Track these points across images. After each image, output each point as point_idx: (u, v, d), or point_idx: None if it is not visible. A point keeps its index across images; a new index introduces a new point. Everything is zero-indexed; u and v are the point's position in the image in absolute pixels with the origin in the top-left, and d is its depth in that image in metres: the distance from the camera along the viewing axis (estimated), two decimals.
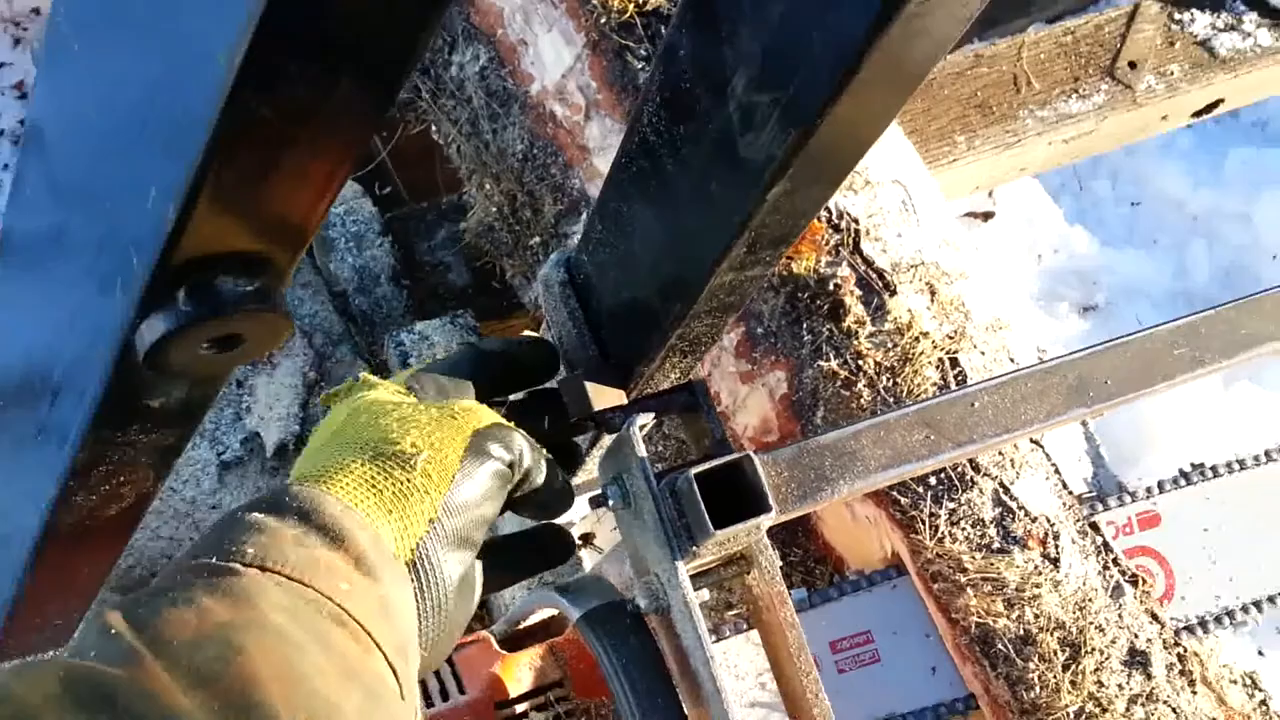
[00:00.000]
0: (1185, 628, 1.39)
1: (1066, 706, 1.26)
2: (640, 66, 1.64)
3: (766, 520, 0.92)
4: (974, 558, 1.34)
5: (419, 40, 0.42)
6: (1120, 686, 1.28)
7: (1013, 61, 2.39)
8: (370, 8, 0.39)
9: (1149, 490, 1.42)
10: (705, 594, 1.01)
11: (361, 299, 2.05)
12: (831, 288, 1.50)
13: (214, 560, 0.63)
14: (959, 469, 1.38)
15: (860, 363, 1.46)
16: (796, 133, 0.63)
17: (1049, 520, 1.35)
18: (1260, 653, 2.16)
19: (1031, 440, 1.42)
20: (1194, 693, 1.30)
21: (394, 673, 0.66)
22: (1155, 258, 2.80)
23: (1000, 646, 1.30)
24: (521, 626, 1.22)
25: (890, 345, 1.47)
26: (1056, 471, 1.41)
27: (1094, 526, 1.37)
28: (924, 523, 1.36)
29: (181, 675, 0.55)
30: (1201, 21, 2.42)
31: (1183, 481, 1.42)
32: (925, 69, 0.59)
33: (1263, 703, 1.35)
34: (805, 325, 1.52)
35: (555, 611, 1.21)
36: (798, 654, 0.98)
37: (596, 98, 1.67)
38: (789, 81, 0.61)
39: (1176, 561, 1.40)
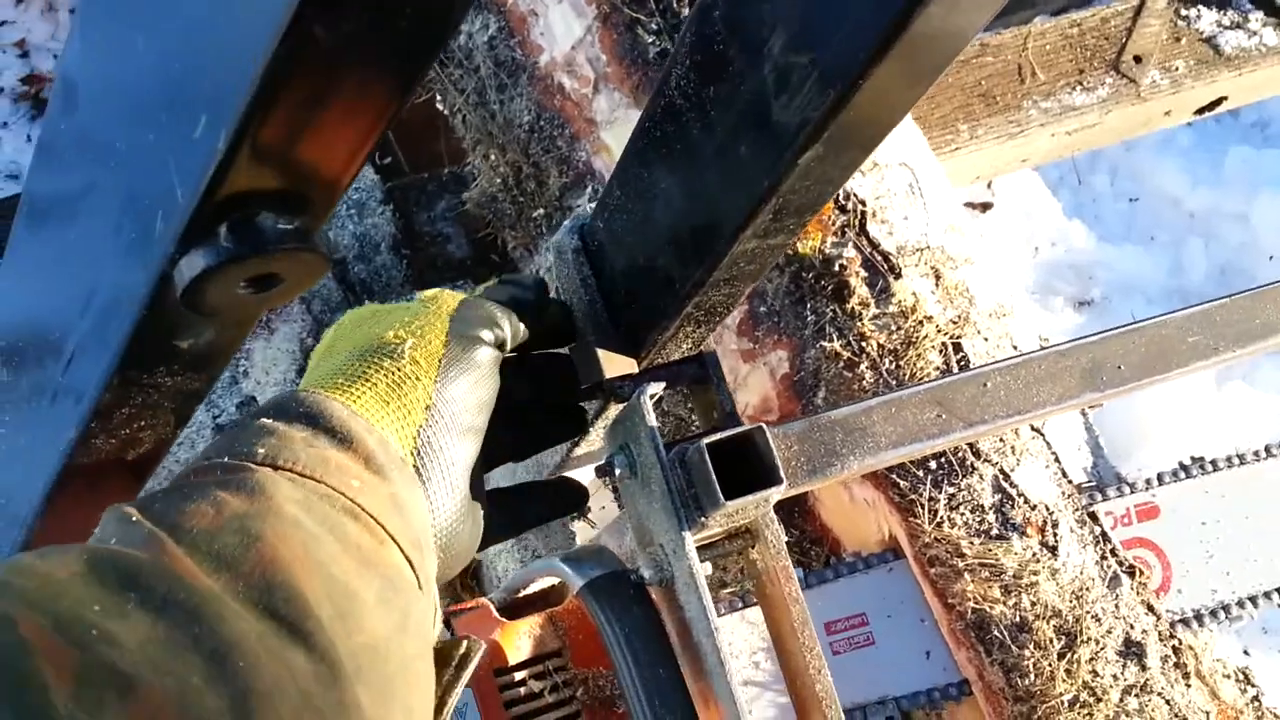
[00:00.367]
0: (1181, 620, 1.40)
1: (1061, 695, 1.27)
2: (651, 40, 1.63)
3: (776, 493, 0.92)
4: (972, 543, 1.34)
5: None
6: (1115, 677, 1.28)
7: (1018, 52, 2.39)
8: None
9: (1148, 482, 1.43)
10: (708, 568, 1.01)
11: (361, 267, 2.03)
12: (837, 269, 1.50)
13: (226, 460, 0.63)
14: (959, 454, 1.38)
15: (863, 345, 1.46)
16: (835, 94, 0.62)
17: (1048, 508, 1.36)
18: (1246, 652, 2.18)
19: (1032, 428, 1.42)
20: (1188, 686, 1.30)
21: (410, 565, 0.67)
22: (1152, 254, 2.81)
23: (996, 633, 1.30)
24: (521, 595, 1.21)
25: (894, 328, 1.47)
26: (1057, 460, 1.41)
27: (1093, 516, 1.37)
28: (923, 507, 1.36)
29: (203, 559, 0.56)
30: (1208, 18, 2.43)
31: (1182, 474, 1.43)
32: (973, 28, 0.58)
33: (1255, 699, 1.35)
34: (809, 305, 1.51)
35: (556, 580, 1.21)
36: (801, 629, 0.98)
37: (606, 70, 1.65)
38: (830, 40, 0.60)
39: (1174, 554, 1.40)
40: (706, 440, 0.91)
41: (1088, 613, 1.30)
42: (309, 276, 0.49)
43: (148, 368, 0.57)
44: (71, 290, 0.59)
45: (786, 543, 1.66)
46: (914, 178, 1.62)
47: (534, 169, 1.70)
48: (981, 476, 1.37)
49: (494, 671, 1.08)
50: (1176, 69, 2.37)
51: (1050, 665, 1.27)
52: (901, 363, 1.44)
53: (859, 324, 1.47)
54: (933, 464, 1.37)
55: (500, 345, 0.83)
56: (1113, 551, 1.35)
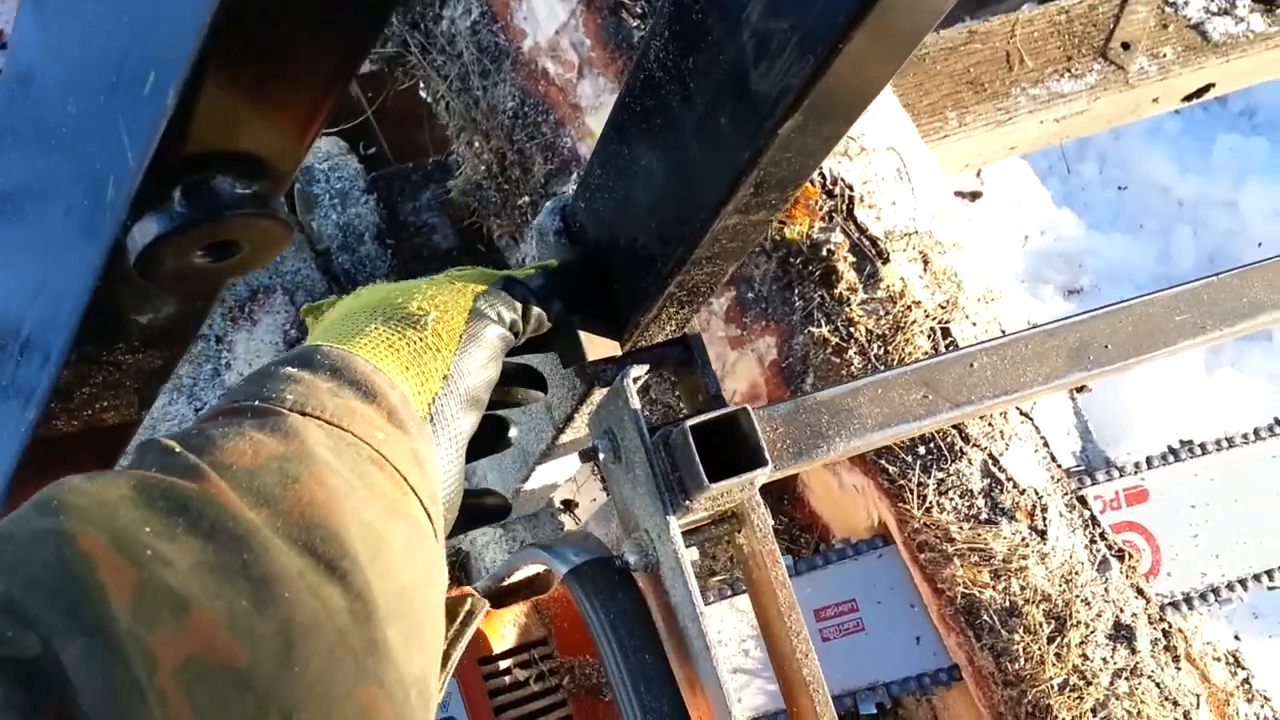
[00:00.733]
0: (1170, 604, 1.39)
1: (1051, 679, 1.26)
2: (635, 24, 1.61)
3: (762, 475, 0.91)
4: (961, 528, 1.32)
5: None
6: (1105, 660, 1.27)
7: (1006, 39, 2.37)
8: None
9: (1137, 466, 1.42)
10: (694, 553, 0.99)
11: (345, 257, 2.01)
12: (824, 254, 1.48)
13: (256, 403, 0.64)
14: (948, 439, 1.37)
15: (852, 330, 1.44)
16: (814, 60, 0.61)
17: (1037, 492, 1.35)
18: (1237, 637, 2.17)
19: (1021, 412, 1.41)
20: (1178, 669, 1.29)
21: (429, 517, 0.69)
22: (1141, 242, 2.81)
23: (985, 618, 1.29)
24: (506, 583, 1.20)
25: (882, 313, 1.45)
26: (1045, 444, 1.40)
27: (1082, 500, 1.36)
28: (912, 492, 1.35)
29: (244, 494, 0.57)
30: (1195, 5, 2.42)
31: (1171, 458, 1.42)
32: None
33: (1245, 681, 1.34)
34: (797, 291, 1.50)
35: (540, 568, 1.20)
36: (788, 613, 0.97)
37: (590, 55, 1.64)
38: (809, 5, 0.59)
39: (1163, 537, 1.40)
40: (690, 422, 0.90)
41: (1077, 596, 1.29)
42: (270, 245, 0.48)
43: (106, 344, 0.55)
44: (26, 270, 0.57)
45: (776, 530, 1.65)
46: (902, 162, 1.61)
47: (518, 156, 1.69)
48: (970, 461, 1.36)
49: (478, 660, 1.07)
50: (1164, 56, 2.36)
51: (1040, 649, 1.26)
52: (890, 348, 1.43)
53: (847, 309, 1.46)
54: (921, 449, 1.36)
55: (514, 331, 0.86)
56: (1102, 535, 1.34)
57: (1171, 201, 2.89)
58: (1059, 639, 1.27)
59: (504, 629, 1.10)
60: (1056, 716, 1.25)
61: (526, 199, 1.71)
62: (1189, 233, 2.82)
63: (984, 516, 1.33)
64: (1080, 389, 1.69)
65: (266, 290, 1.90)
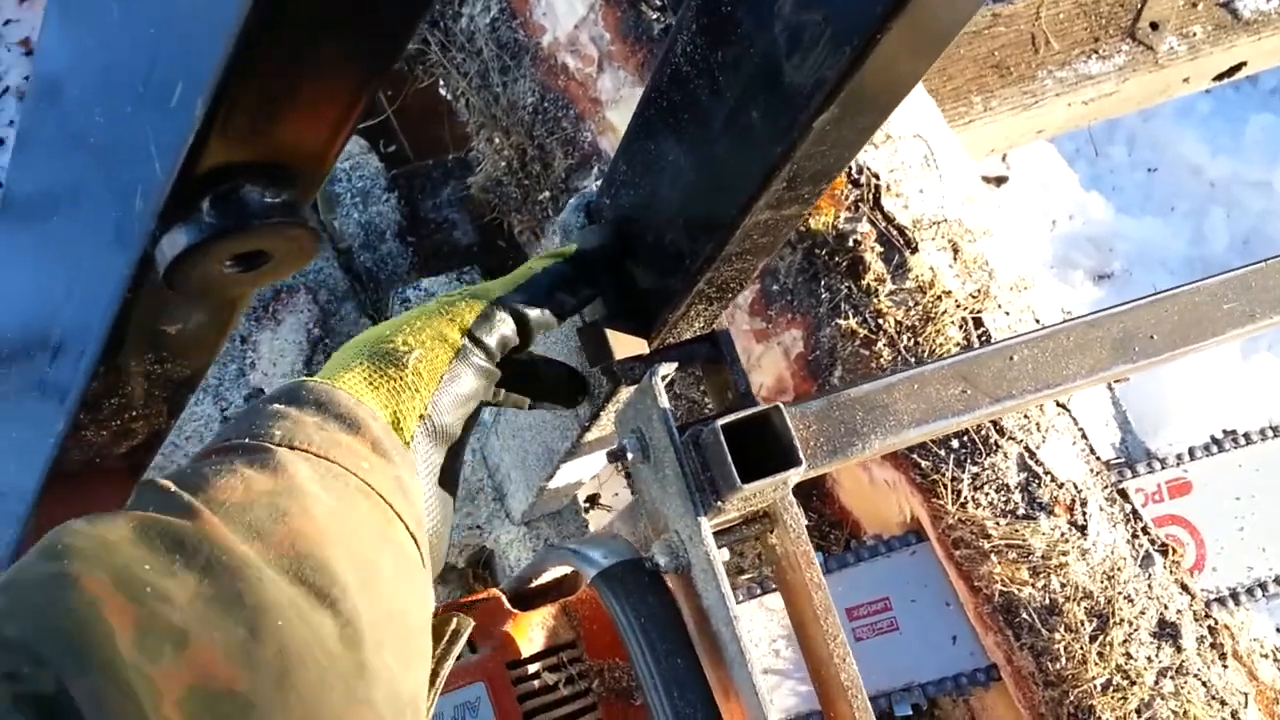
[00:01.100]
0: (1216, 599, 1.36)
1: (1094, 679, 1.23)
2: (655, 17, 1.59)
3: (795, 475, 0.88)
4: (998, 524, 1.30)
5: None
6: (1149, 659, 1.25)
7: (1031, 21, 2.33)
8: None
9: (1179, 457, 1.39)
10: (725, 554, 0.97)
11: (367, 255, 2.00)
12: (851, 244, 1.46)
13: (246, 441, 0.67)
14: (983, 432, 1.34)
15: (880, 321, 1.42)
16: (850, 52, 0.59)
17: (1076, 486, 1.32)
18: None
19: (1057, 403, 1.38)
20: (1225, 666, 1.27)
21: (415, 542, 0.72)
22: (1172, 225, 2.76)
23: (1025, 616, 1.27)
24: (533, 585, 1.18)
25: (911, 304, 1.43)
26: (1084, 436, 1.37)
27: (1122, 493, 1.33)
28: (946, 487, 1.33)
29: (237, 529, 0.60)
30: None
31: (1214, 448, 1.39)
32: None
33: None
34: (823, 283, 1.47)
35: (568, 569, 1.18)
36: (824, 616, 0.94)
37: (610, 49, 1.62)
38: None
39: (1207, 531, 1.36)
40: (721, 421, 0.88)
41: (1120, 593, 1.26)
42: (299, 254, 0.46)
43: (135, 355, 0.54)
44: (54, 281, 0.56)
45: (806, 526, 1.63)
46: (929, 149, 1.58)
47: (539, 151, 1.67)
48: (1006, 455, 1.33)
49: (506, 665, 1.05)
50: (1194, 35, 2.32)
51: (1082, 648, 1.24)
52: (920, 339, 1.41)
53: (875, 300, 1.43)
54: (955, 443, 1.34)
55: (507, 348, 0.86)
56: (1144, 529, 1.31)
57: (1203, 183, 2.84)
58: (1101, 637, 1.24)
59: (532, 632, 1.08)
60: (1100, 717, 1.22)
61: (547, 194, 1.69)
62: (1222, 215, 2.77)
63: (1021, 511, 1.31)
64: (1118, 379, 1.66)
65: (290, 290, 1.89)
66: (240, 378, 1.83)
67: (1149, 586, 1.27)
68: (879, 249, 1.46)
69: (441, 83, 1.86)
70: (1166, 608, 1.26)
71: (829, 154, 0.70)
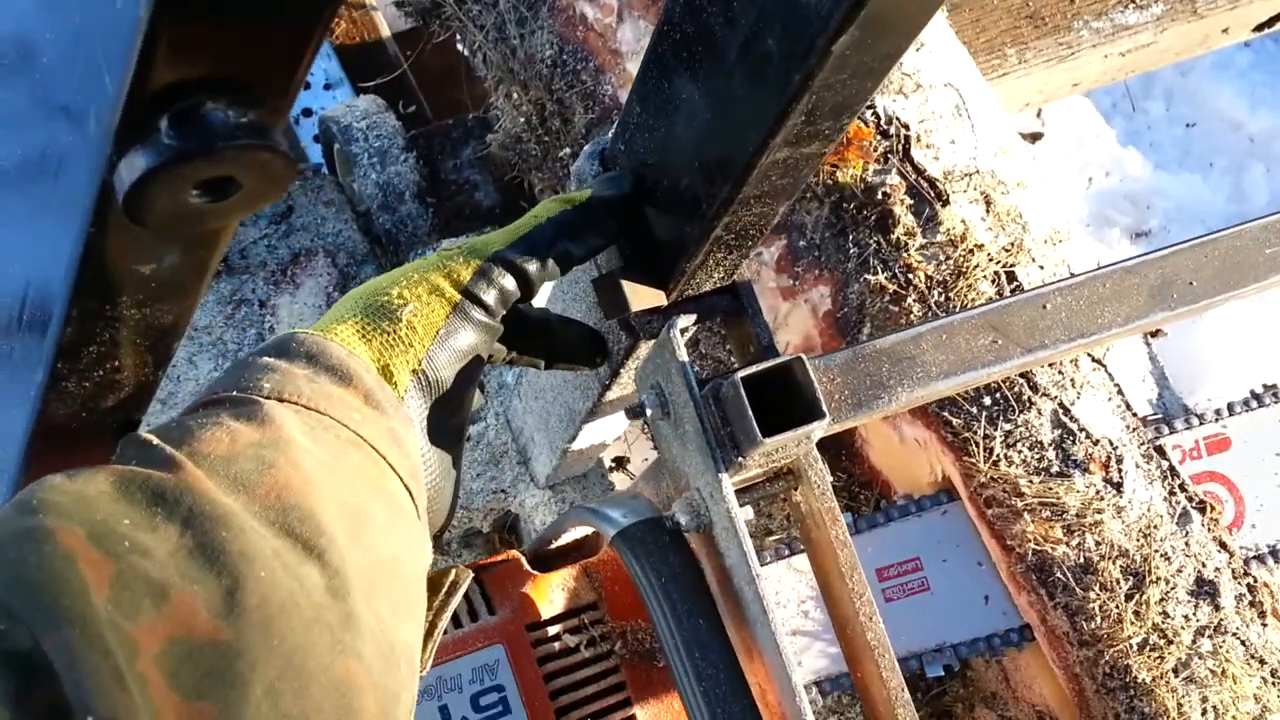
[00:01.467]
0: (1255, 557, 1.32)
1: (1129, 638, 1.19)
2: None
3: (819, 429, 0.85)
4: (1031, 482, 1.26)
5: None
6: (1186, 618, 1.21)
7: None
8: None
9: (1218, 413, 1.34)
10: (749, 512, 0.94)
11: (386, 217, 1.97)
12: (880, 197, 1.42)
13: (234, 393, 0.66)
14: (1015, 388, 1.30)
15: (910, 276, 1.38)
16: None
17: (1111, 443, 1.28)
18: None
19: (1092, 358, 1.34)
20: (1264, 625, 1.22)
21: (410, 494, 0.71)
22: (1211, 181, 2.69)
23: (1059, 575, 1.23)
24: (554, 546, 1.16)
25: (942, 258, 1.38)
26: (1119, 392, 1.33)
27: (1159, 450, 1.29)
28: (978, 445, 1.29)
29: (221, 481, 0.59)
30: None
31: (1254, 404, 1.34)
32: None
33: None
34: (851, 237, 1.43)
35: (589, 530, 1.15)
36: (850, 574, 0.91)
37: None
38: None
39: (1247, 487, 1.32)
40: (741, 374, 0.85)
41: (1156, 551, 1.22)
42: (271, 181, 0.43)
43: (109, 298, 0.52)
44: (19, 220, 0.53)
45: (835, 486, 1.60)
46: (960, 99, 1.53)
47: (558, 106, 1.63)
48: (1040, 411, 1.29)
49: (526, 627, 1.03)
50: None
51: (1118, 607, 1.20)
52: (951, 294, 1.36)
53: (905, 255, 1.39)
54: (987, 399, 1.30)
55: (508, 302, 0.84)
56: (1181, 486, 1.27)
57: (1243, 138, 2.76)
58: (1137, 596, 1.20)
59: (552, 594, 1.06)
60: (1136, 677, 1.18)
61: (567, 150, 1.66)
62: (1261, 170, 2.70)
63: (1055, 469, 1.27)
64: (1155, 333, 1.61)
65: (308, 253, 1.87)
66: (259, 342, 1.81)
67: (1186, 544, 1.23)
68: (909, 202, 1.42)
69: (459, 38, 1.82)
70: (1204, 566, 1.22)
71: (850, 83, 0.66)
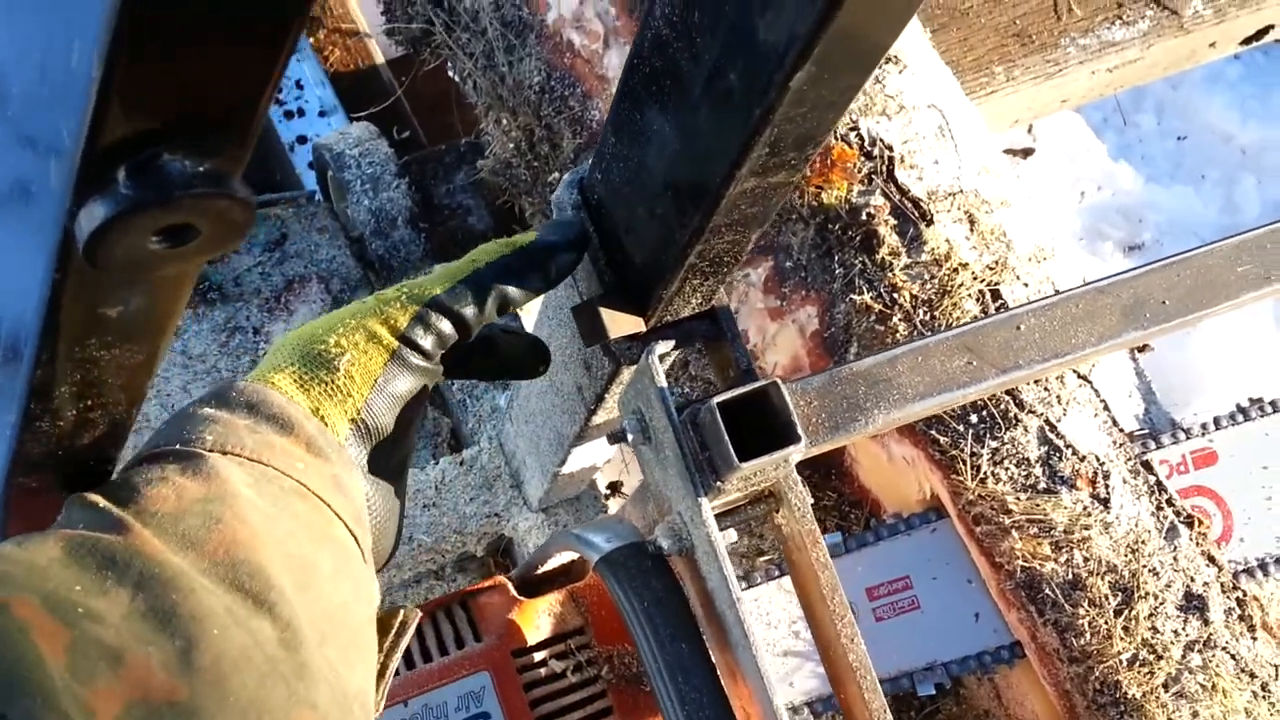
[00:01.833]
0: (1244, 570, 1.32)
1: (1119, 654, 1.20)
2: None
3: (795, 452, 0.86)
4: (1019, 499, 1.27)
5: None
6: (1176, 632, 1.21)
7: None
8: None
9: (1205, 427, 1.35)
10: (733, 535, 0.95)
11: (378, 242, 1.99)
12: (864, 218, 1.43)
13: (177, 447, 0.66)
14: (1001, 405, 1.31)
15: (895, 296, 1.39)
16: (821, 4, 0.56)
17: (1098, 459, 1.28)
18: None
19: (1078, 375, 1.35)
20: (1254, 639, 1.23)
21: (355, 539, 0.71)
22: (1203, 194, 2.69)
23: (1048, 591, 1.23)
24: (540, 571, 1.16)
25: (927, 277, 1.39)
26: (1106, 408, 1.33)
27: (1146, 465, 1.29)
28: (965, 463, 1.29)
29: (169, 540, 0.59)
30: None
31: (1240, 418, 1.35)
32: None
33: None
34: (837, 258, 1.44)
35: (575, 555, 1.16)
36: (830, 596, 0.92)
37: (615, 24, 1.59)
38: None
39: (1234, 501, 1.33)
40: (718, 399, 0.86)
41: (1144, 566, 1.23)
42: (230, 228, 0.44)
43: (78, 341, 0.53)
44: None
45: (825, 506, 1.60)
46: (944, 119, 1.54)
47: (547, 131, 1.64)
48: (1026, 428, 1.30)
49: (512, 653, 1.03)
50: None
51: (1107, 623, 1.21)
52: (936, 313, 1.37)
53: (890, 275, 1.40)
54: (973, 417, 1.30)
55: (446, 346, 0.82)
56: (1169, 501, 1.27)
57: (1234, 150, 2.77)
58: (1126, 611, 1.21)
59: (539, 619, 1.06)
60: (1126, 693, 1.19)
61: (556, 175, 1.67)
62: (1253, 182, 2.71)
63: (1042, 486, 1.27)
64: (1142, 348, 1.61)
65: (302, 280, 1.88)
66: (254, 368, 1.83)
67: (1174, 559, 1.23)
68: (893, 222, 1.43)
69: (449, 65, 1.84)
70: (1193, 580, 1.23)
71: (811, 116, 0.67)
